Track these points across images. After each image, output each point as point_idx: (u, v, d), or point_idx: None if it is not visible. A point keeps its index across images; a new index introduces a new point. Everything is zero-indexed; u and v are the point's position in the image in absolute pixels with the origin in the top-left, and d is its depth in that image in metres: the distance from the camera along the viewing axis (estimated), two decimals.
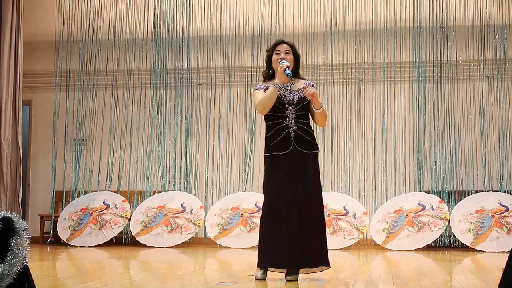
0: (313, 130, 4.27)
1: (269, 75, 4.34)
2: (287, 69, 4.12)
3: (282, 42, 4.34)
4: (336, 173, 8.20)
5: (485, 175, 7.93)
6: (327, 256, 4.17)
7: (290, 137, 4.15)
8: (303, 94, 4.14)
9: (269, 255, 4.11)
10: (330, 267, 4.21)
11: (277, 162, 4.17)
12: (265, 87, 4.23)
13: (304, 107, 4.22)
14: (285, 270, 4.14)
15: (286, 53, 4.26)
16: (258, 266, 4.18)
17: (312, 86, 4.29)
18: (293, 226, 4.06)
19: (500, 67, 8.09)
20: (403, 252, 7.17)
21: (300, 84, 4.29)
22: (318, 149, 4.31)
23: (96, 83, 8.88)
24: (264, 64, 4.43)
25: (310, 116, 4.30)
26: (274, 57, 4.28)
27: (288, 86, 4.25)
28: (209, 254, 6.87)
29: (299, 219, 4.07)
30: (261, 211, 4.26)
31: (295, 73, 4.33)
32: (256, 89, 4.31)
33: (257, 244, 4.25)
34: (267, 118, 4.25)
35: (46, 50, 9.01)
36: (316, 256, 4.12)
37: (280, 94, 4.21)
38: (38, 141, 9.03)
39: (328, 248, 4.23)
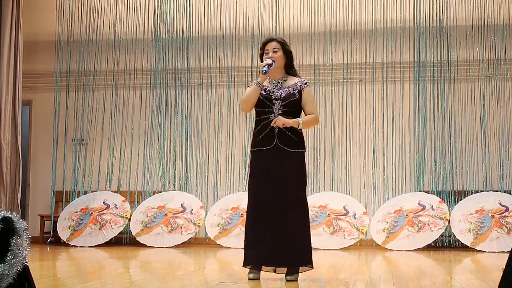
0: (301, 130, 4.21)
1: None
2: (265, 66, 4.12)
3: (270, 40, 4.32)
4: (336, 173, 8.19)
5: (485, 175, 7.92)
6: (310, 256, 4.13)
7: (274, 133, 4.14)
8: (275, 121, 4.09)
9: (252, 252, 4.12)
10: (312, 268, 4.17)
11: (260, 157, 4.18)
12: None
13: (292, 103, 4.19)
14: (274, 269, 4.14)
15: (274, 51, 4.24)
16: (244, 265, 4.20)
17: (306, 84, 4.27)
18: (271, 224, 4.06)
19: (500, 67, 8.09)
20: (403, 252, 7.17)
21: (292, 81, 4.28)
22: (305, 149, 4.25)
23: (96, 83, 8.88)
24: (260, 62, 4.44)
25: (299, 115, 4.26)
26: (264, 56, 4.27)
27: (279, 83, 4.26)
28: (209, 254, 6.87)
29: (276, 217, 4.06)
30: (246, 206, 4.27)
31: (289, 69, 4.32)
32: (248, 86, 4.32)
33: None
34: (256, 114, 4.26)
35: (46, 50, 9.01)
36: (296, 255, 4.07)
37: (269, 89, 4.21)
38: (38, 141, 9.03)
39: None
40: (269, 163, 4.13)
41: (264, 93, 4.19)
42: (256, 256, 4.11)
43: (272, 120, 4.12)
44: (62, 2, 8.97)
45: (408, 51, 8.27)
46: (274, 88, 4.22)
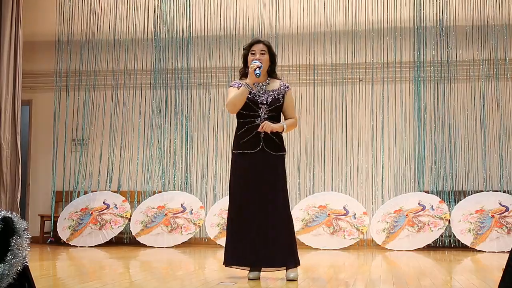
0: (282, 133, 4.29)
1: (245, 73, 4.35)
2: (257, 69, 4.14)
3: (258, 41, 4.34)
4: (336, 173, 8.19)
5: (485, 175, 7.93)
6: (296, 255, 4.16)
7: (260, 137, 4.18)
8: (262, 126, 4.12)
9: (234, 253, 4.15)
10: (299, 264, 4.20)
11: (244, 160, 4.20)
12: (240, 85, 4.24)
13: (277, 108, 4.26)
14: (273, 269, 4.16)
15: (262, 53, 4.27)
16: (223, 263, 4.23)
17: (288, 88, 4.34)
18: (258, 226, 4.09)
19: (500, 67, 8.09)
20: (403, 252, 7.17)
21: (275, 85, 4.33)
22: (285, 151, 4.34)
23: (96, 83, 8.88)
24: (242, 63, 4.43)
25: (281, 119, 4.33)
26: (250, 57, 4.29)
27: (263, 86, 4.28)
28: (209, 254, 6.87)
29: (263, 220, 4.09)
30: (227, 209, 4.28)
31: (272, 73, 4.35)
32: (230, 86, 4.31)
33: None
34: (239, 116, 4.26)
35: (46, 50, 9.01)
36: (282, 255, 4.11)
37: (254, 93, 4.23)
38: (38, 141, 9.03)
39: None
40: (254, 166, 4.17)
41: (249, 96, 4.22)
42: (238, 258, 4.15)
43: (258, 124, 4.16)
44: (62, 2, 8.97)
45: (408, 51, 8.27)
46: (259, 92, 4.25)
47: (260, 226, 4.09)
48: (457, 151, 8.03)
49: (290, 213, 4.27)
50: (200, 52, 8.68)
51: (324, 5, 8.47)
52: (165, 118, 8.65)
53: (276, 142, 4.23)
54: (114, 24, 8.88)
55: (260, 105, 4.21)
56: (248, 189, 4.15)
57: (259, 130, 4.13)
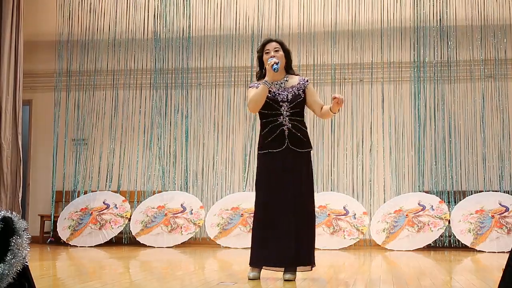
0: (307, 128, 4.27)
1: (262, 75, 4.33)
2: (274, 64, 4.12)
3: (270, 41, 4.33)
4: (336, 173, 8.19)
5: (485, 175, 7.93)
6: (314, 256, 4.17)
7: (284, 135, 4.15)
8: (333, 99, 4.09)
9: (261, 253, 4.12)
10: (315, 265, 4.21)
11: (270, 159, 4.17)
12: (258, 85, 4.22)
13: (298, 104, 4.22)
14: (279, 269, 4.14)
15: (276, 51, 4.25)
16: (250, 264, 4.19)
17: (307, 81, 4.32)
18: (284, 225, 4.07)
19: (501, 67, 8.09)
20: (403, 252, 7.17)
21: (294, 81, 4.29)
22: (311, 148, 4.30)
23: (96, 83, 8.89)
24: (257, 66, 4.43)
25: (304, 114, 4.30)
26: (265, 56, 4.26)
27: (282, 84, 4.25)
28: (209, 254, 6.87)
29: (291, 218, 4.07)
30: (254, 208, 4.25)
31: (288, 69, 4.33)
32: (250, 87, 4.30)
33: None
34: (261, 115, 4.24)
35: (46, 50, 9.01)
36: (304, 255, 4.10)
37: (274, 92, 4.20)
38: (38, 141, 9.03)
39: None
40: (279, 164, 4.13)
41: (269, 95, 4.18)
42: (265, 258, 4.11)
43: (281, 123, 4.14)
44: (62, 3, 8.98)
45: (408, 51, 8.27)
46: (278, 90, 4.22)
47: (282, 226, 4.05)
48: (457, 151, 8.03)
49: (312, 212, 4.19)
50: (200, 52, 8.68)
51: (324, 5, 8.47)
52: (165, 118, 8.66)
53: (301, 138, 4.18)
54: (114, 24, 8.88)
55: (281, 103, 4.18)
56: (273, 188, 4.12)
57: (334, 102, 4.06)
